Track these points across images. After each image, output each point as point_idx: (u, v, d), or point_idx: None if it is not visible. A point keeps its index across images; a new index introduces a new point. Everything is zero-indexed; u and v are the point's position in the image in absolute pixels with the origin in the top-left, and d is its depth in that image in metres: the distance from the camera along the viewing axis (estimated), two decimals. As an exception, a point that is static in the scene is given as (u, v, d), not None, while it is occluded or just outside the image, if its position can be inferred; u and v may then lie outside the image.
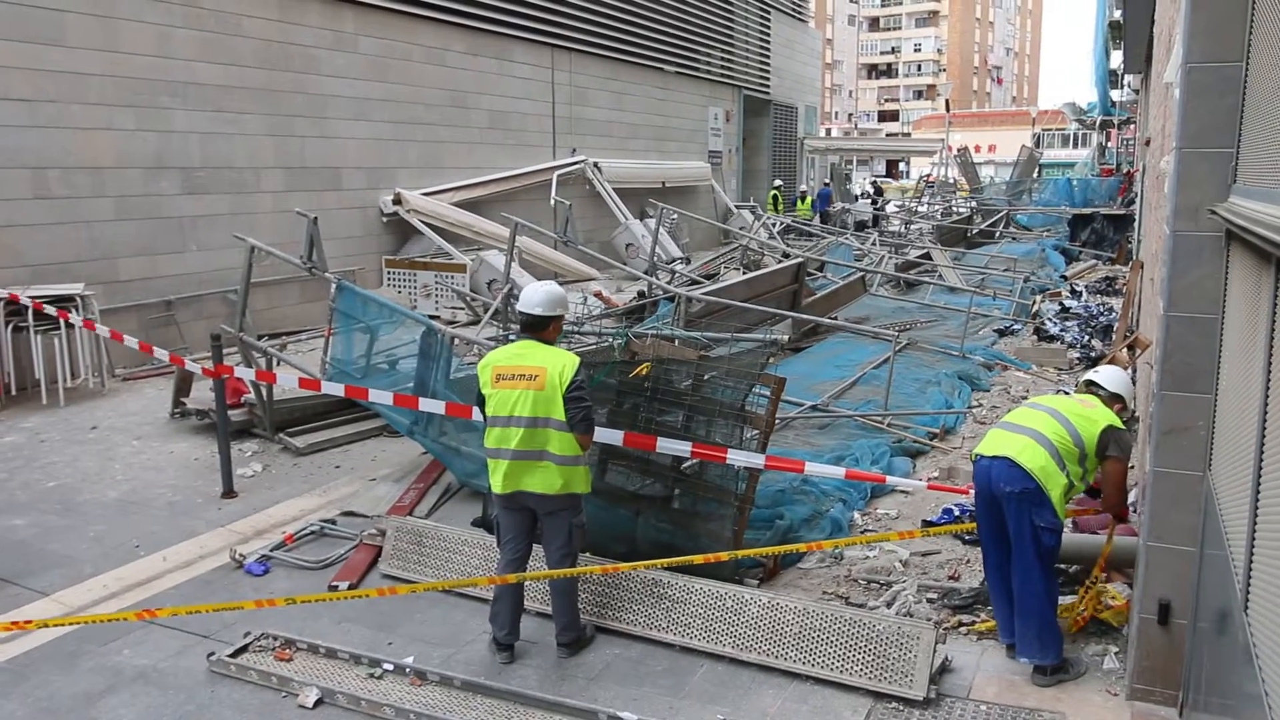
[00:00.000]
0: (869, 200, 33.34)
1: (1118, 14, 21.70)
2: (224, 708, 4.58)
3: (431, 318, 10.34)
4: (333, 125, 14.64)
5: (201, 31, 12.48)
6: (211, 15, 12.58)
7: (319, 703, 4.59)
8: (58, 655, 5.04)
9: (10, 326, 9.69)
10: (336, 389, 7.29)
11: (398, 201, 15.56)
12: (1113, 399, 5.05)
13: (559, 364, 4.76)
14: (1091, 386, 5.13)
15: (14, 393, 9.88)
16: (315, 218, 8.68)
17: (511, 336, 9.83)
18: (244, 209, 13.13)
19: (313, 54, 14.20)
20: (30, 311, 9.56)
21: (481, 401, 4.94)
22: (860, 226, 27.34)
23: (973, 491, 5.05)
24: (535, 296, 4.91)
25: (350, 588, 5.78)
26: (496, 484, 4.88)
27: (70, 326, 9.79)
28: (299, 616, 5.41)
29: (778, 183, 30.19)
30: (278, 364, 9.01)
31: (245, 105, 13.17)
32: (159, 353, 8.34)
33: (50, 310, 9.58)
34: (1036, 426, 4.81)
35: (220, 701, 4.64)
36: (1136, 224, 16.45)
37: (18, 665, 4.95)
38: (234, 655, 4.95)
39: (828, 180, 32.08)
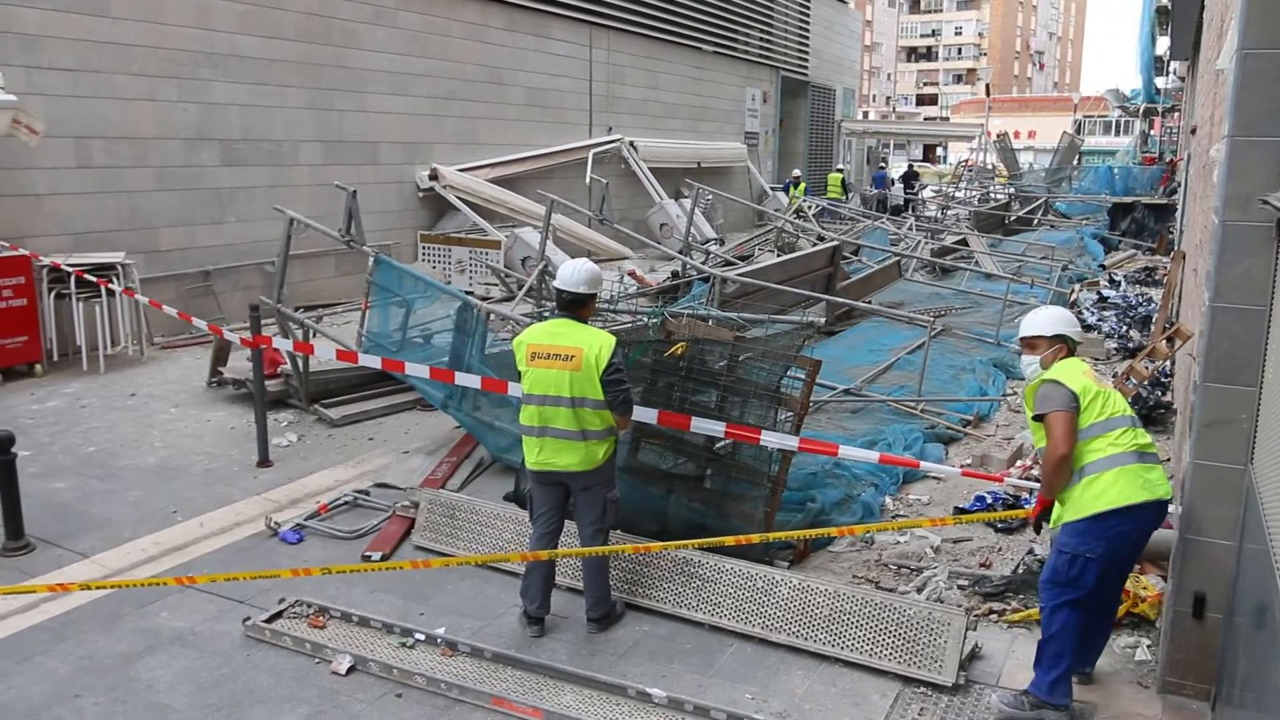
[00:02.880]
0: (903, 185, 32.90)
1: (1166, -1, 21.37)
2: (259, 671, 4.66)
3: (465, 293, 10.38)
4: (371, 100, 14.68)
5: (243, 4, 12.54)
6: (253, -13, 12.65)
7: (351, 670, 4.66)
8: (98, 615, 5.14)
9: (53, 294, 9.84)
10: (373, 362, 7.35)
11: (434, 177, 15.61)
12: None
13: (595, 345, 4.75)
14: (1064, 341, 4.53)
15: (55, 359, 10.03)
16: (354, 191, 8.72)
17: (546, 314, 9.85)
18: (282, 181, 13.23)
19: (353, 28, 14.24)
20: (72, 279, 9.70)
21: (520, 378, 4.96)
22: (896, 211, 27.13)
23: (1112, 539, 4.20)
24: (575, 275, 4.88)
25: (383, 558, 5.84)
26: (533, 460, 4.91)
27: (111, 294, 9.92)
28: (332, 584, 5.48)
29: (840, 166, 30.08)
30: (314, 336, 9.09)
31: (285, 78, 13.24)
32: (198, 322, 8.44)
33: (91, 278, 9.73)
34: (1155, 449, 4.42)
35: (255, 665, 4.71)
36: (1179, 214, 16.21)
37: (59, 624, 5.06)
38: (269, 621, 5.02)
39: (883, 164, 31.83)
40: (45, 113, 10.20)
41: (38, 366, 9.76)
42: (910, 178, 33.89)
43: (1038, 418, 4.35)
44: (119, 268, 10.15)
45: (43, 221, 10.52)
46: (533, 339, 4.90)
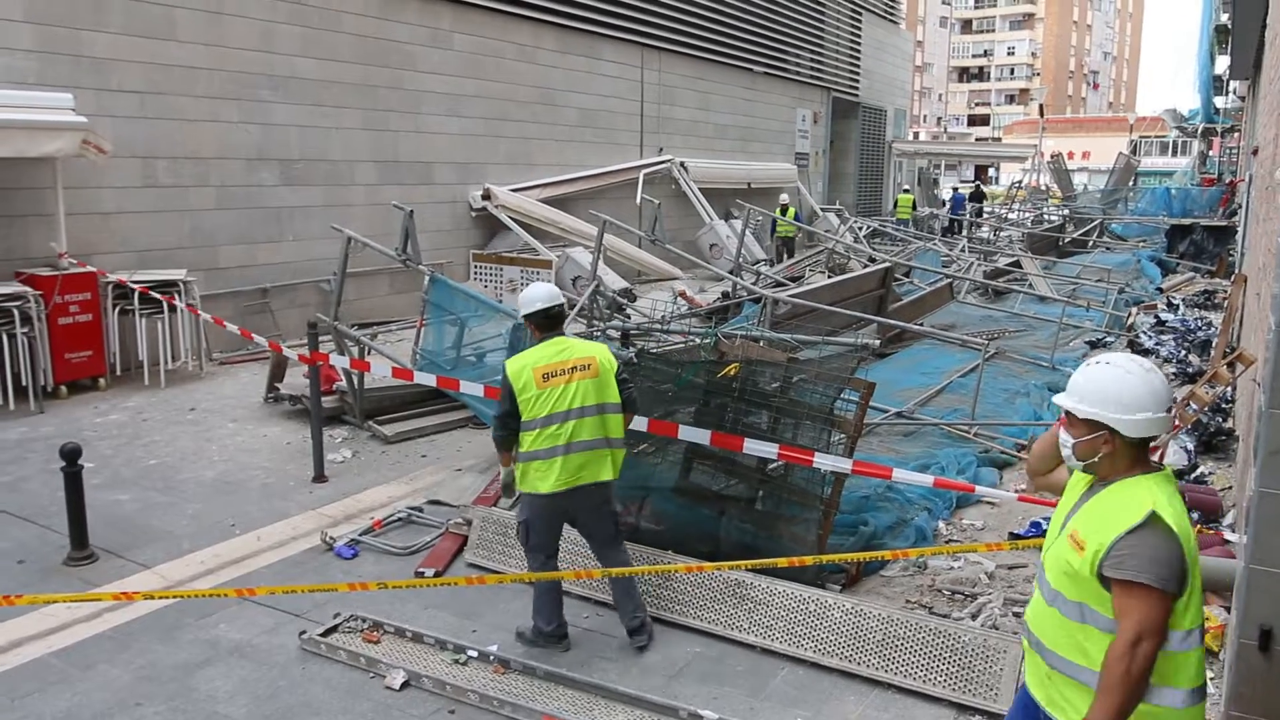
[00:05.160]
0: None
1: (1225, 18, 21.04)
2: (314, 685, 4.72)
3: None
4: (426, 120, 14.91)
5: (304, 27, 12.82)
6: (314, 11, 12.92)
7: (405, 685, 4.70)
8: (158, 626, 5.24)
9: (117, 310, 10.09)
10: (429, 379, 7.43)
11: (487, 197, 15.78)
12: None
13: (602, 351, 5.05)
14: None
15: (118, 373, 10.27)
16: (411, 211, 8.85)
17: (596, 334, 9.91)
18: (338, 201, 13.45)
19: (409, 50, 14.48)
20: (136, 295, 9.94)
21: (511, 409, 4.87)
22: (946, 232, 26.92)
23: None
24: (550, 291, 5.07)
25: (436, 574, 5.89)
26: (558, 481, 4.82)
27: (173, 310, 10.15)
28: (386, 600, 5.54)
29: (906, 187, 30.16)
30: (370, 353, 9.22)
31: (342, 100, 13.49)
32: (259, 339, 8.60)
33: (156, 295, 9.96)
34: None
35: (311, 679, 4.77)
36: (1239, 236, 15.90)
37: (121, 634, 5.16)
38: (324, 635, 5.09)
39: (956, 186, 31.70)
40: (113, 133, 10.49)
41: (101, 380, 10.00)
42: (977, 197, 33.61)
43: (1113, 581, 2.51)
44: (180, 285, 10.38)
45: (109, 239, 10.80)
46: (538, 361, 4.89)
